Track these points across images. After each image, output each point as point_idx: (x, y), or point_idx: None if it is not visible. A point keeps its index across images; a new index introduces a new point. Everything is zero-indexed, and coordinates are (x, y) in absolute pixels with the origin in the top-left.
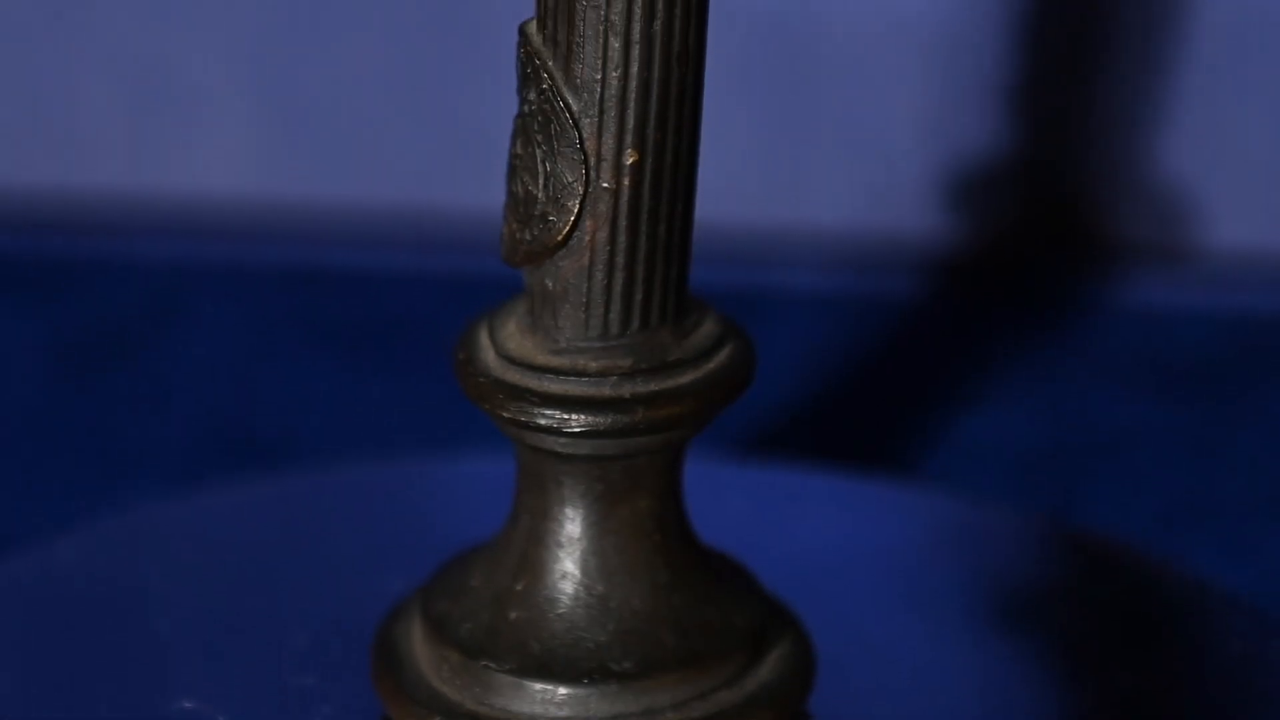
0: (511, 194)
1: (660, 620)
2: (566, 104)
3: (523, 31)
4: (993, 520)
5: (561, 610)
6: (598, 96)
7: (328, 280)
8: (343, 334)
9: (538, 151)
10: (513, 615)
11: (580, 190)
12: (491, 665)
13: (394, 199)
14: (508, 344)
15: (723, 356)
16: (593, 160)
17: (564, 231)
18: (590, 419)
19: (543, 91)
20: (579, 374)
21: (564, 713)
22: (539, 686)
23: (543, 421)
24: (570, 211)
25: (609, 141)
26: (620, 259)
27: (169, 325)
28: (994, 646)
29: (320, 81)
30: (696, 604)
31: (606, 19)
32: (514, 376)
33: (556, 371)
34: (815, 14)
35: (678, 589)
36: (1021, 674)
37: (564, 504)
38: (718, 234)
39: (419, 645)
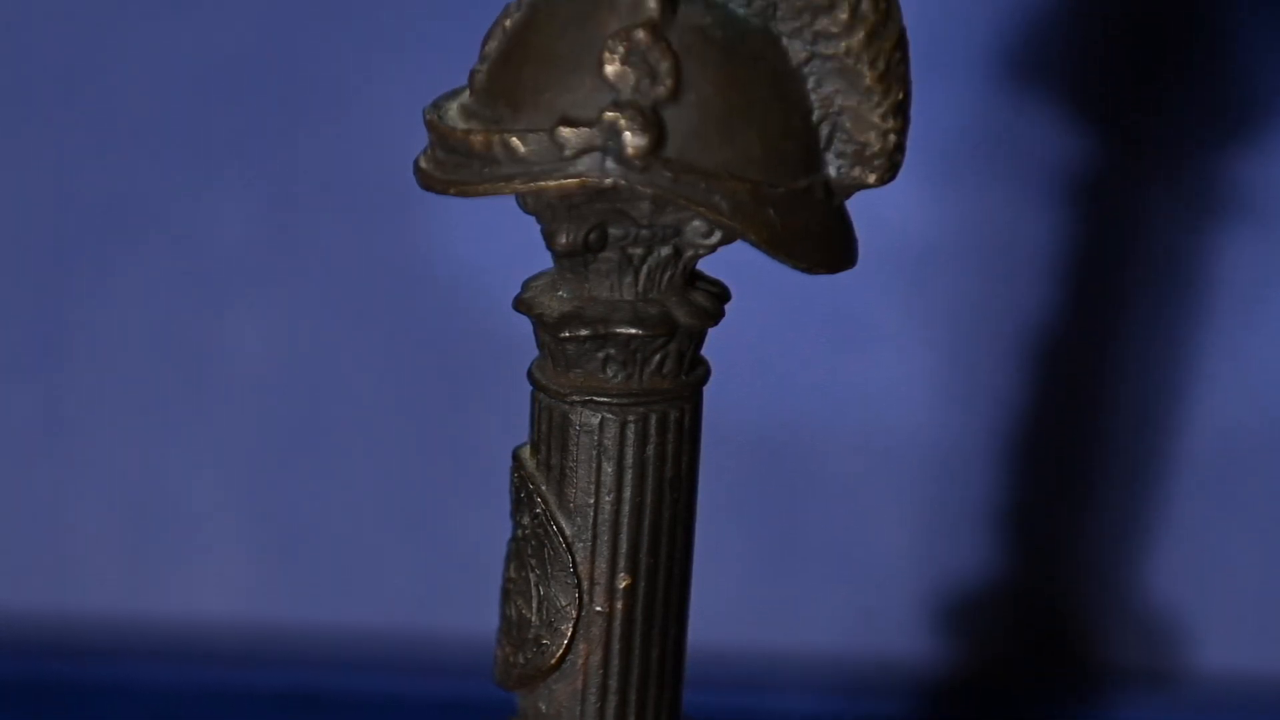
0: (505, 618)
1: None
2: (560, 528)
3: (516, 456)
4: None
5: None
6: (591, 521)
7: (323, 704)
8: None
9: (531, 575)
10: None
11: (573, 614)
12: None
13: (388, 623)
14: None
15: None
16: (586, 584)
17: (557, 655)
18: None
19: (536, 516)
20: None
21: None
22: None
23: None
24: (564, 635)
25: (602, 565)
26: (613, 683)
27: None
28: None
29: (314, 506)
30: None
31: (599, 444)
32: None
33: None
34: (805, 438)
35: None
36: None
37: None
38: (710, 656)
39: None
